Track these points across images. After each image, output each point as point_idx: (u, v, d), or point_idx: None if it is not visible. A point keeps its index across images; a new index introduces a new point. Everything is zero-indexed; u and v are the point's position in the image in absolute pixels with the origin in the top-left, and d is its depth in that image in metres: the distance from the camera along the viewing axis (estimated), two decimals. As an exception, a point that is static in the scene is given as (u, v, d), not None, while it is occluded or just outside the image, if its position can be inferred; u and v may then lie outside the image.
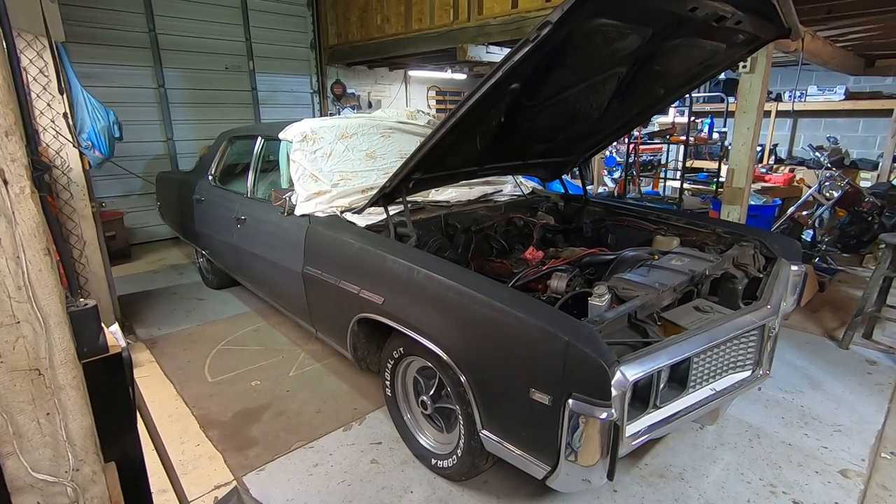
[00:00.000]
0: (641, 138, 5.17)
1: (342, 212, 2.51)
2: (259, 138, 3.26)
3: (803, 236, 5.08)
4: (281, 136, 2.88)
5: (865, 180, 5.94)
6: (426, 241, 2.35)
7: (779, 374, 2.87)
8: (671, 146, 5.41)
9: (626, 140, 5.62)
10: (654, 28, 1.79)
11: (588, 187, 6.59)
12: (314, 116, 6.29)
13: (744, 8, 1.82)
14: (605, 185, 6.81)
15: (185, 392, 2.76)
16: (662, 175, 6.28)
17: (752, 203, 4.29)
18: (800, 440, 2.31)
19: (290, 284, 2.62)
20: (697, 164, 6.70)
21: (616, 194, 6.11)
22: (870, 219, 5.15)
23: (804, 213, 4.99)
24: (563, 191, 3.30)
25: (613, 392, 1.38)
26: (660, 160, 6.14)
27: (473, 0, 4.90)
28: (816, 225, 5.01)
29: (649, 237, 2.72)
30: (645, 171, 5.98)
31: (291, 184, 2.69)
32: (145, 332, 3.51)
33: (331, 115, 6.67)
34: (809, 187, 5.30)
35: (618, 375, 1.38)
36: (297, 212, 2.58)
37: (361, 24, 6.30)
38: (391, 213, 2.37)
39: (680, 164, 7.20)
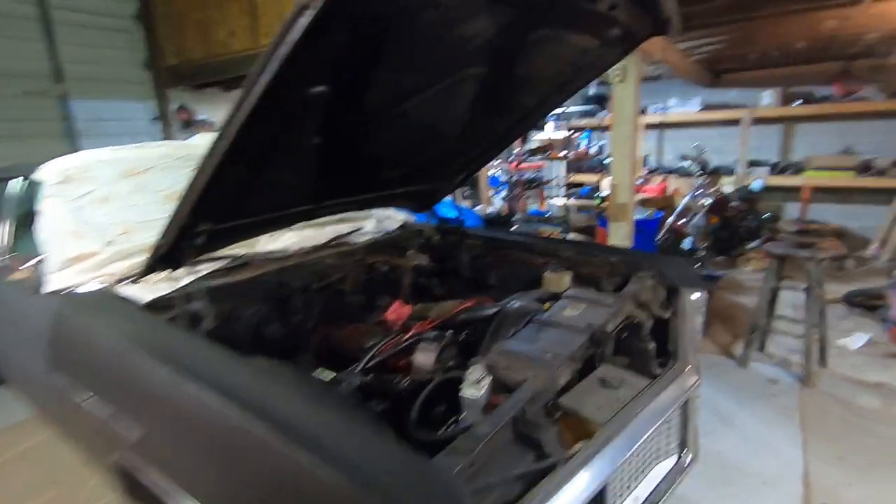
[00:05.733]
0: (522, 155, 4.93)
1: (117, 282, 1.73)
2: (15, 181, 2.34)
3: (683, 245, 5.14)
4: (34, 176, 2.03)
5: (727, 185, 6.27)
6: (240, 317, 1.67)
7: (689, 410, 2.57)
8: (553, 162, 5.25)
9: (508, 158, 5.37)
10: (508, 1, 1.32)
11: (477, 208, 6.29)
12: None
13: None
14: (494, 205, 6.58)
15: None
16: (547, 193, 6.15)
17: (636, 217, 4.16)
18: None
19: (41, 398, 1.77)
20: (580, 178, 6.70)
21: (505, 213, 5.85)
22: (736, 223, 5.37)
23: (681, 221, 5.05)
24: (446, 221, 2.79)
25: None
26: (542, 178, 5.99)
27: (327, 10, 4.33)
28: (694, 233, 5.08)
29: (538, 274, 2.28)
30: (529, 188, 5.78)
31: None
32: None
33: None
34: (683, 196, 5.40)
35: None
36: (47, 288, 1.75)
37: (203, 40, 5.42)
38: (193, 278, 1.67)
39: (563, 181, 7.20)
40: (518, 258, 2.43)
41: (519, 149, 5.02)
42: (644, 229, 4.20)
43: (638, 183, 6.06)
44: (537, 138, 5.18)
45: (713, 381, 2.87)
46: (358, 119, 1.52)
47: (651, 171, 6.88)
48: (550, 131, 5.31)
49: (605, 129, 7.41)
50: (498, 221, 5.35)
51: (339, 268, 2.20)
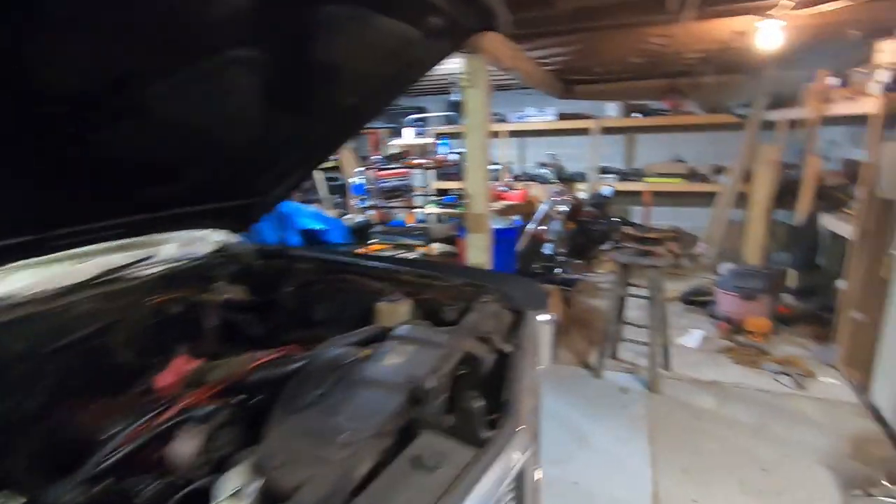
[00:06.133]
0: (377, 163, 4.62)
1: None
2: None
3: (544, 250, 5.24)
4: None
5: (581, 191, 6.61)
6: None
7: (547, 434, 2.44)
8: (425, 170, 5.00)
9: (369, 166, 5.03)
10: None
11: (345, 217, 5.84)
12: None
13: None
14: (364, 214, 6.18)
15: None
16: (416, 202, 5.91)
17: (496, 226, 4.08)
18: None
19: None
20: (447, 185, 6.60)
21: (377, 222, 5.49)
22: (591, 227, 5.64)
23: (541, 227, 5.14)
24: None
25: None
26: (407, 185, 5.74)
27: None
28: (553, 239, 5.21)
29: (375, 301, 1.96)
30: (393, 197, 5.49)
31: None
32: None
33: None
34: (542, 203, 5.52)
35: None
36: None
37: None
38: None
39: (431, 189, 7.02)
40: (354, 285, 2.08)
41: (375, 156, 4.71)
42: (504, 238, 4.13)
43: (502, 190, 6.11)
44: (396, 144, 4.91)
45: (569, 395, 2.81)
46: (87, 118, 1.05)
47: (515, 178, 7.03)
48: (410, 137, 5.08)
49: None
50: (363, 232, 4.99)
51: (104, 314, 1.65)
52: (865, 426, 2.47)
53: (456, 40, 1.65)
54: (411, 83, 1.87)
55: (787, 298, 3.98)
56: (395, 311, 1.82)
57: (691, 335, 3.59)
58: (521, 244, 4.67)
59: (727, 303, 3.71)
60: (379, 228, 4.41)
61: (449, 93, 6.83)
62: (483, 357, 1.52)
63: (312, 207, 7.28)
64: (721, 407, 2.67)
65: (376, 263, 2.21)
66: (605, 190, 6.05)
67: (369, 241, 4.33)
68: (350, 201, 6.20)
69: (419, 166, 3.98)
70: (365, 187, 5.52)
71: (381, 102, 1.89)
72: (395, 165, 4.34)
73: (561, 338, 3.61)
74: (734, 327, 3.60)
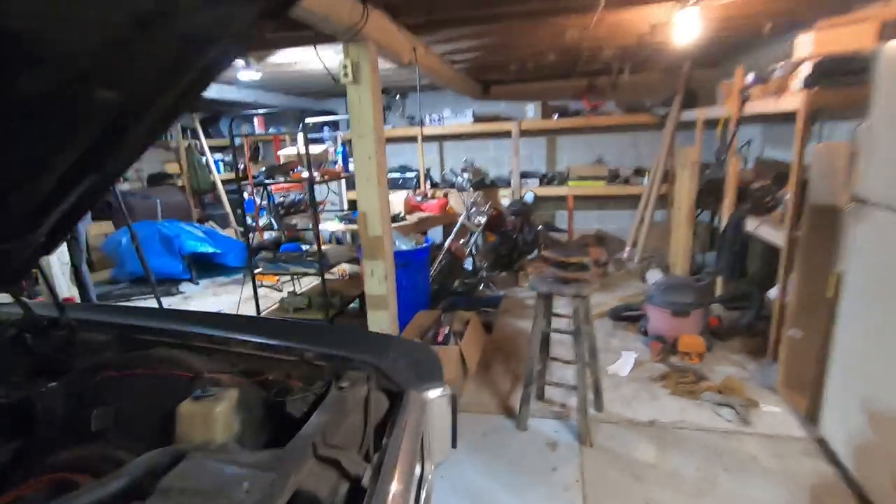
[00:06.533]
0: (254, 177, 3.89)
1: None
2: None
3: (465, 266, 4.76)
4: None
5: (505, 198, 6.22)
6: None
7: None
8: (324, 183, 4.30)
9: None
10: None
11: (253, 235, 5.04)
12: None
13: None
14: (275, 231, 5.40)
15: None
16: (324, 216, 5.22)
17: (402, 249, 3.52)
18: None
19: None
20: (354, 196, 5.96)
21: (286, 240, 4.75)
22: (514, 237, 5.24)
23: (460, 241, 4.65)
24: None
25: None
26: (303, 199, 5.05)
27: None
28: (474, 252, 4.74)
29: (186, 395, 1.32)
30: (291, 213, 4.77)
31: None
32: None
33: None
34: (459, 214, 5.04)
35: None
36: None
37: None
38: None
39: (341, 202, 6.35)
40: (165, 365, 1.42)
41: (257, 168, 4.00)
42: (413, 261, 3.56)
43: (419, 200, 5.56)
44: (283, 154, 4.21)
45: (487, 457, 2.29)
46: None
47: (433, 186, 6.53)
48: (300, 146, 4.39)
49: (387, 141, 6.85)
50: (269, 250, 4.26)
51: None
52: (819, 469, 2.15)
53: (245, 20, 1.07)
54: (220, 66, 1.26)
55: (717, 308, 3.73)
56: (208, 417, 1.18)
57: (623, 360, 3.21)
58: (436, 265, 4.15)
59: (658, 320, 3.38)
60: (262, 255, 3.70)
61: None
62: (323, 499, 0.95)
63: (205, 226, 6.37)
64: (663, 457, 2.27)
65: (203, 330, 1.57)
66: (527, 196, 5.68)
67: (254, 270, 3.61)
68: (238, 220, 5.40)
69: (308, 180, 3.33)
70: (255, 203, 4.76)
71: (175, 95, 1.25)
72: (279, 179, 3.64)
73: (481, 375, 3.11)
74: (667, 346, 3.28)
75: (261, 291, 3.84)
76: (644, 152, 6.21)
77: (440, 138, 6.83)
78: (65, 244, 3.70)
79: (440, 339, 3.06)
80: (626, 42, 4.28)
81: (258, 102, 5.73)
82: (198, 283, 5.75)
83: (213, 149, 7.38)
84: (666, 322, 3.33)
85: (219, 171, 7.32)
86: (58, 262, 3.55)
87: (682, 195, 4.49)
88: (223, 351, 1.50)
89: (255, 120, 6.74)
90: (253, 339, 1.49)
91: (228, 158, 7.29)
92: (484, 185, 6.12)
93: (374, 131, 2.71)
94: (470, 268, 4.76)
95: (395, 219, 4.74)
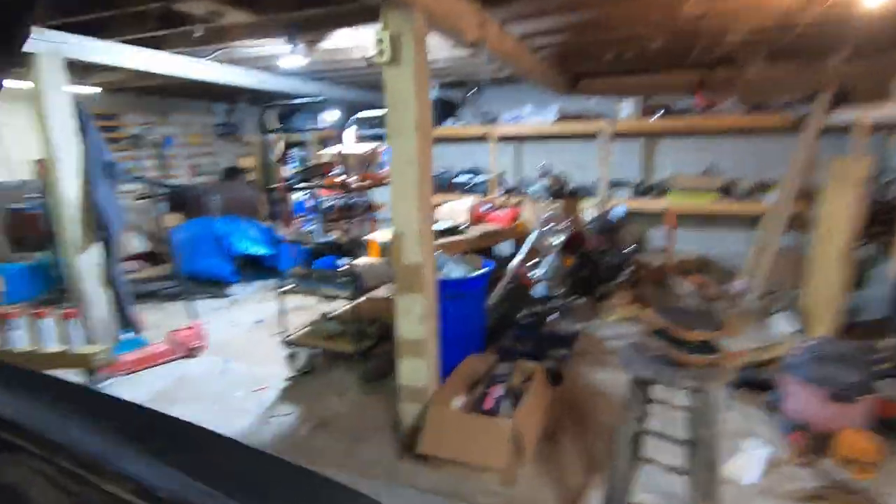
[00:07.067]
0: (286, 180, 3.40)
1: None
2: None
3: (533, 293, 3.97)
4: None
5: (590, 209, 5.30)
6: None
7: None
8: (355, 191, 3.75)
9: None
10: None
11: (313, 232, 4.65)
12: None
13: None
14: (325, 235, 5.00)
15: None
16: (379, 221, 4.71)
17: (450, 278, 2.82)
18: None
19: None
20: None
21: (345, 241, 4.30)
22: (597, 260, 4.36)
23: (527, 265, 3.87)
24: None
25: None
26: (366, 202, 4.53)
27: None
28: (548, 278, 3.94)
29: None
30: (344, 217, 4.27)
31: None
32: None
33: None
34: (532, 228, 4.25)
35: None
36: None
37: None
38: None
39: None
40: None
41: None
42: (465, 293, 2.83)
43: (486, 209, 4.85)
44: (322, 153, 3.67)
45: None
46: None
47: (507, 192, 5.77)
48: (349, 144, 3.85)
49: (456, 140, 6.21)
50: (338, 250, 3.84)
51: None
52: None
53: None
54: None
55: (889, 386, 2.65)
56: None
57: (748, 457, 2.29)
58: (497, 290, 3.41)
59: (804, 401, 2.41)
60: (298, 270, 3.18)
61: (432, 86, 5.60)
62: None
63: (259, 224, 6.06)
64: None
65: (84, 441, 0.98)
66: (617, 210, 4.76)
67: (283, 288, 3.10)
68: (294, 221, 5.00)
69: (340, 185, 2.74)
70: (305, 205, 4.31)
71: None
72: (312, 183, 3.09)
73: (542, 452, 2.34)
74: (815, 442, 2.30)
75: (305, 301, 3.61)
76: (768, 162, 5.02)
77: (517, 139, 6.06)
78: (101, 243, 3.43)
79: (488, 405, 2.33)
80: (764, 23, 3.27)
81: (332, 98, 5.34)
82: (251, 285, 5.44)
83: (290, 144, 7.17)
84: (816, 406, 2.35)
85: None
86: (87, 262, 3.28)
87: (836, 220, 3.37)
88: (91, 485, 0.91)
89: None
90: (143, 480, 0.87)
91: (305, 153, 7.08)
92: (564, 193, 5.26)
93: (418, 129, 2.04)
94: (540, 295, 3.97)
95: (454, 230, 4.07)
